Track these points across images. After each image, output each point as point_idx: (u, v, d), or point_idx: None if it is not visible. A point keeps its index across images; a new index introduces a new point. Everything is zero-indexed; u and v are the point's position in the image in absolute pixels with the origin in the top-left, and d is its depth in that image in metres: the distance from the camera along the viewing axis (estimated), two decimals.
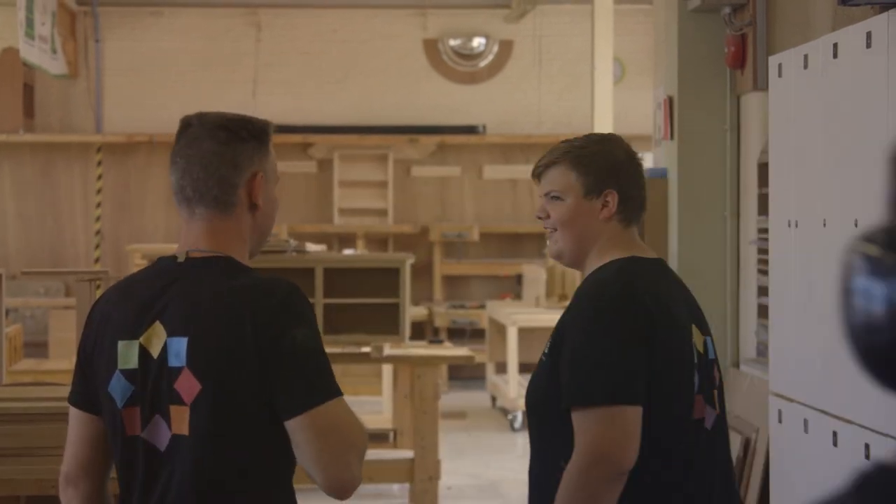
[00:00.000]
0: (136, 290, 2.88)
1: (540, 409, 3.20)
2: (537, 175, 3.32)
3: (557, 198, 3.26)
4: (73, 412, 2.91)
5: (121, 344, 2.81)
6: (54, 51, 13.87)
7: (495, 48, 15.80)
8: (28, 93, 15.46)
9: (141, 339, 2.81)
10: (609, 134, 3.44)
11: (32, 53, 12.84)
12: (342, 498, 2.76)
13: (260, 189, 2.93)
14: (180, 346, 2.77)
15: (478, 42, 15.80)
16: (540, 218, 3.30)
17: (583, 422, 3.03)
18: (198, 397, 2.76)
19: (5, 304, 7.03)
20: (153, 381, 2.79)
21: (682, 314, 3.19)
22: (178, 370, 2.77)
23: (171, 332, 2.79)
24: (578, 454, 3.02)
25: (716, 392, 3.23)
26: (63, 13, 14.60)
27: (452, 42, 15.76)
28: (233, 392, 2.76)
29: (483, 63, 15.80)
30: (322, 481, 2.72)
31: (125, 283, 2.94)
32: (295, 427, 2.72)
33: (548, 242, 3.34)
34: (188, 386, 2.76)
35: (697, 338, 3.20)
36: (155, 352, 2.79)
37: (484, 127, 15.56)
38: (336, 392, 2.78)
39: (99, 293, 6.52)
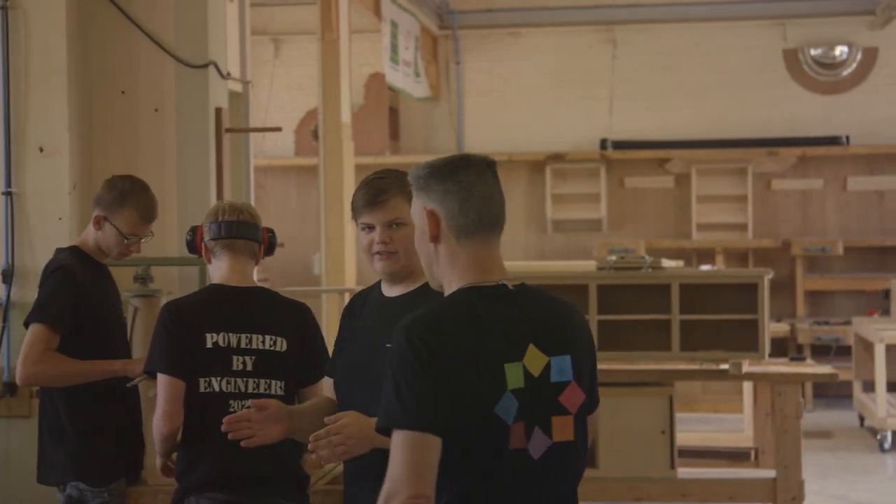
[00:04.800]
0: (494, 319, 3.10)
1: None
2: (378, 204, 3.77)
3: (400, 224, 3.75)
4: (431, 439, 2.97)
5: (507, 367, 3.05)
6: (417, 74, 14.31)
7: (859, 56, 15.33)
8: (393, 116, 16.00)
9: (524, 360, 3.08)
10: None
11: (397, 78, 13.29)
12: None
13: None
14: (565, 363, 3.13)
15: (840, 50, 15.38)
16: (384, 243, 3.74)
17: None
18: (581, 406, 3.15)
19: None
20: (539, 396, 3.07)
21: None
22: (564, 384, 3.12)
23: (552, 353, 3.12)
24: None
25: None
26: (425, 37, 15.05)
27: (813, 51, 15.40)
28: (593, 401, 3.28)
29: (846, 72, 15.36)
30: None
31: (469, 314, 3.07)
32: None
33: (383, 264, 3.77)
34: (573, 397, 3.13)
35: None
36: (536, 371, 3.08)
37: (847, 138, 15.11)
38: None
39: None
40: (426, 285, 3.60)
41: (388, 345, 3.52)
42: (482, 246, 3.16)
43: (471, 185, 3.16)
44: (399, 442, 2.96)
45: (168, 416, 4.42)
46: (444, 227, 3.16)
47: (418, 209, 3.21)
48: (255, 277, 4.76)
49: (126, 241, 5.25)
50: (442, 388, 2.98)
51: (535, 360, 3.08)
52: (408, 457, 2.94)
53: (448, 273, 3.18)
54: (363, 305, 3.92)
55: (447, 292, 3.19)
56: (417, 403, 2.97)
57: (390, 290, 3.83)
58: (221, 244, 4.59)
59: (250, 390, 4.44)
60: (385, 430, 3.01)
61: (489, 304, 3.11)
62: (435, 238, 3.17)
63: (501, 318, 3.09)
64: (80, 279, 5.19)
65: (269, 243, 4.76)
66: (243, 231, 4.59)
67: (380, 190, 3.79)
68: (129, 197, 5.25)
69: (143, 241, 5.36)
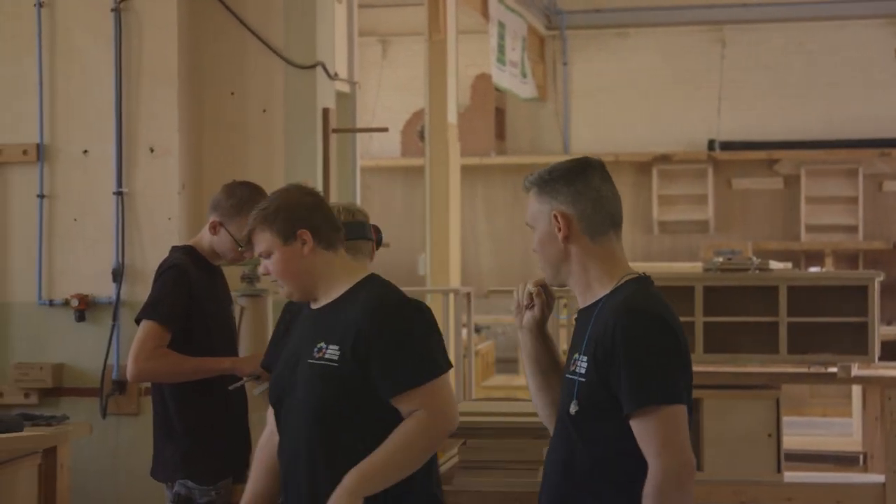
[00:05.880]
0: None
1: None
2: (249, 241, 3.84)
3: (269, 255, 3.76)
4: (686, 410, 3.19)
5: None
6: (524, 75, 14.31)
7: None
8: (499, 116, 16.01)
9: None
10: (290, 186, 3.94)
11: (504, 78, 13.30)
12: None
13: None
14: None
15: None
16: (266, 274, 3.82)
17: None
18: None
19: (475, 321, 7.30)
20: None
21: None
22: None
23: None
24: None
25: None
26: (532, 38, 15.03)
27: None
28: None
29: None
30: None
31: (667, 303, 3.33)
32: None
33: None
34: None
35: None
36: None
37: None
38: None
39: (564, 312, 6.66)
40: (347, 293, 3.74)
41: (312, 360, 3.70)
42: (617, 243, 3.37)
43: (598, 186, 3.34)
44: (669, 416, 3.13)
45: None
46: (577, 227, 3.31)
47: (544, 213, 3.35)
48: None
49: (240, 248, 5.30)
50: (685, 367, 3.22)
51: None
52: (680, 429, 3.14)
53: (586, 271, 3.34)
54: (296, 315, 4.01)
55: (586, 289, 3.34)
56: (677, 379, 3.17)
57: (315, 304, 3.86)
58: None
59: None
60: (639, 410, 3.14)
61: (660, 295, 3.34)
62: (567, 239, 3.32)
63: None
64: (193, 279, 5.25)
65: (377, 240, 4.79)
66: (361, 231, 4.63)
67: (247, 225, 3.88)
68: (246, 206, 5.28)
69: None
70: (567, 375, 3.30)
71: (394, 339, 3.61)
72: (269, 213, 3.78)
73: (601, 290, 3.30)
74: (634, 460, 3.14)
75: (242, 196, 5.32)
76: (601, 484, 3.18)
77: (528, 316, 3.43)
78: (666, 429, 3.10)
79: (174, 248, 5.45)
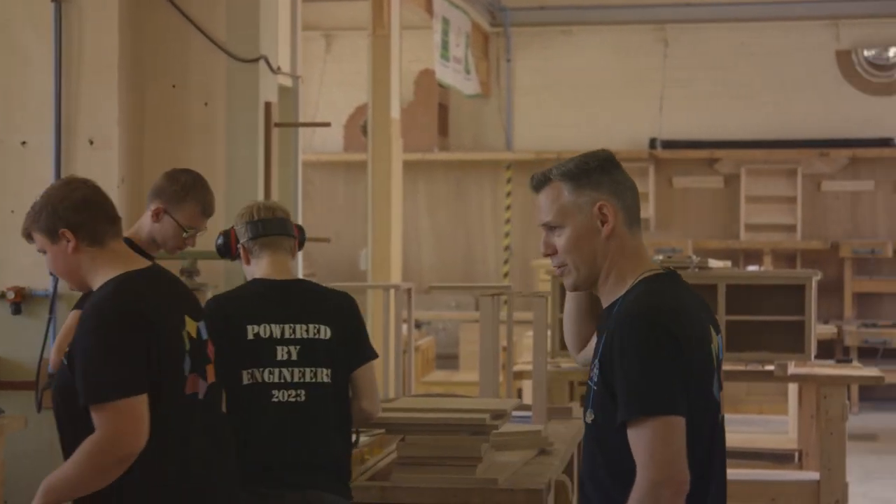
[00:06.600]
0: (690, 303, 3.19)
1: None
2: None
3: (45, 252, 3.73)
4: (682, 422, 3.03)
5: (711, 347, 3.15)
6: (468, 71, 14.33)
7: None
8: (443, 112, 16.01)
9: (712, 341, 3.18)
10: (60, 181, 3.83)
11: (447, 74, 13.31)
12: None
13: None
14: (720, 341, 3.23)
15: (894, 51, 15.29)
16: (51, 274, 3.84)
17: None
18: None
19: (416, 317, 7.31)
20: (719, 374, 3.19)
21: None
22: (721, 361, 3.21)
23: (717, 332, 3.21)
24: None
25: None
26: (476, 34, 15.05)
27: (867, 52, 15.31)
28: None
29: None
30: None
31: (679, 300, 3.15)
32: None
33: None
34: (721, 374, 3.24)
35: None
36: (715, 350, 3.18)
37: None
38: None
39: (505, 309, 6.66)
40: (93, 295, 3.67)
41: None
42: (641, 234, 3.22)
43: (627, 176, 3.23)
44: (658, 428, 2.98)
45: None
46: (621, 219, 3.15)
47: (583, 205, 3.18)
48: (297, 272, 4.78)
49: (184, 234, 5.27)
50: (686, 372, 3.04)
51: (714, 339, 3.17)
52: (670, 442, 2.98)
53: (619, 265, 3.17)
54: None
55: (611, 290, 3.17)
56: (672, 389, 3.01)
57: None
58: (261, 243, 4.63)
59: (296, 379, 4.46)
60: (630, 421, 3.01)
61: (679, 289, 3.18)
62: (611, 231, 3.15)
63: (691, 302, 3.17)
64: None
65: (299, 240, 4.81)
66: (281, 228, 4.64)
67: (23, 226, 3.85)
68: (191, 191, 5.26)
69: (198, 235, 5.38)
70: (588, 382, 3.18)
71: (85, 353, 3.53)
72: (36, 212, 3.74)
73: (621, 290, 3.14)
74: None
75: (186, 182, 5.29)
76: (617, 490, 3.06)
77: None
78: (653, 441, 2.96)
79: None
